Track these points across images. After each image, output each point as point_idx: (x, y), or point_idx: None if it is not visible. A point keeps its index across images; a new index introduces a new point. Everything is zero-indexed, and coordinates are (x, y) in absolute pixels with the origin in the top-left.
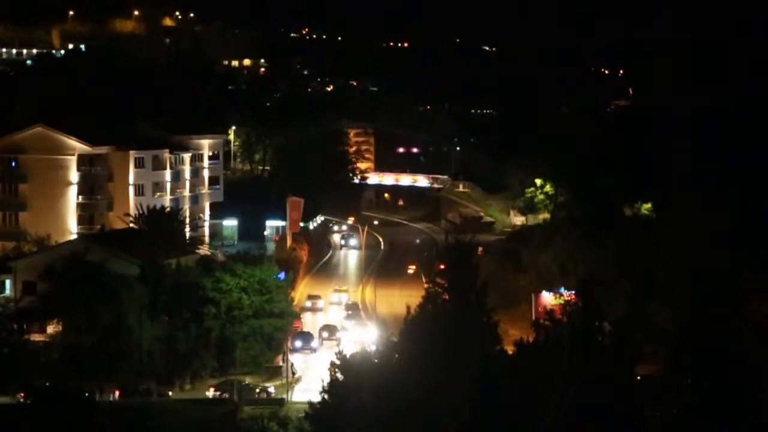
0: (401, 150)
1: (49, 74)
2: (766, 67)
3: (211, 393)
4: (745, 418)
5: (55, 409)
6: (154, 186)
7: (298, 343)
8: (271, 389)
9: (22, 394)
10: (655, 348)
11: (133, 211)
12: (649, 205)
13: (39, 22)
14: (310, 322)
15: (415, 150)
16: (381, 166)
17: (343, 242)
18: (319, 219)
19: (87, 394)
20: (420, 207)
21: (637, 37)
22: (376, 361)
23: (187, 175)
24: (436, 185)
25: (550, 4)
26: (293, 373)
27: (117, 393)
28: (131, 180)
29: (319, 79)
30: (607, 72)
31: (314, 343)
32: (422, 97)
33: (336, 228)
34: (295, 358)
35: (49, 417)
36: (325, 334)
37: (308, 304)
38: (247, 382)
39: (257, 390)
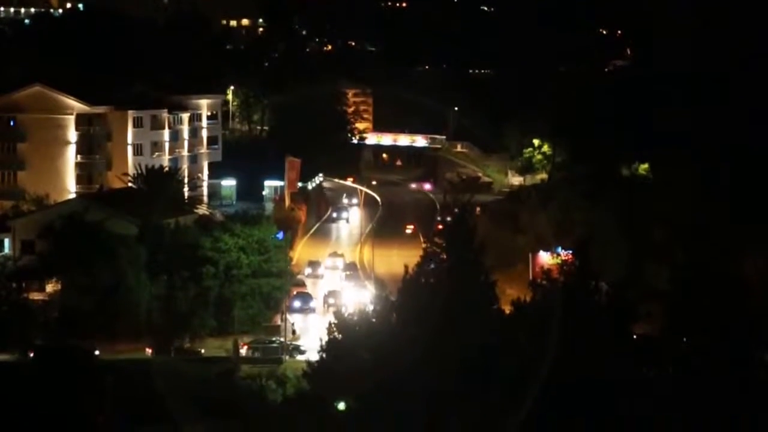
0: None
1: (47, 33)
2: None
3: (244, 351)
4: (741, 376)
5: (55, 367)
6: (153, 146)
7: (297, 304)
8: (304, 347)
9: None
10: (652, 307)
11: (131, 170)
12: (646, 166)
13: None
14: (311, 289)
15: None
16: (379, 127)
17: (335, 215)
18: (318, 179)
19: (86, 352)
20: (418, 167)
21: None
22: (373, 320)
23: (186, 134)
24: (434, 145)
25: None
26: (293, 332)
27: (149, 351)
28: (130, 140)
29: (317, 40)
30: (605, 32)
31: (313, 304)
32: (420, 58)
33: (345, 201)
34: (293, 319)
35: (49, 375)
36: (331, 300)
37: (308, 270)
38: (274, 338)
39: (290, 347)
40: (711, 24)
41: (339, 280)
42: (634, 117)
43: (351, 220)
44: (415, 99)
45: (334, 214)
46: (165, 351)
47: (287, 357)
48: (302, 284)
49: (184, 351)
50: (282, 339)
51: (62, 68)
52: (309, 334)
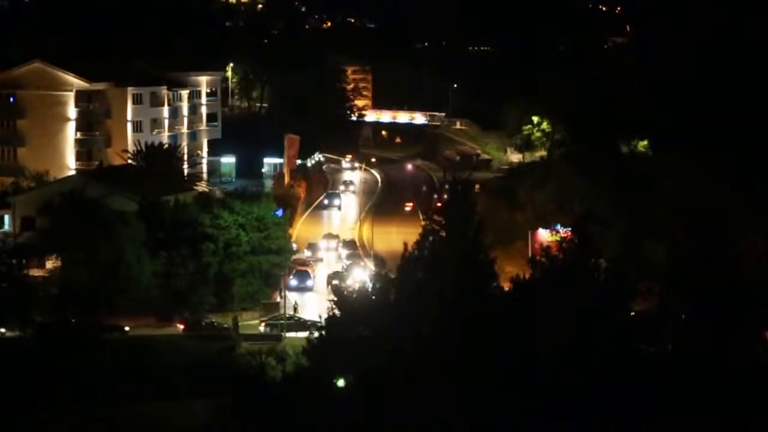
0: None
1: (47, 9)
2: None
3: (262, 328)
4: (739, 353)
5: (54, 343)
6: (152, 122)
7: (294, 282)
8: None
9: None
10: (650, 285)
11: (131, 147)
12: (645, 143)
13: None
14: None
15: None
16: (378, 104)
17: (326, 201)
18: (317, 156)
19: (88, 327)
20: (417, 144)
21: None
22: (373, 297)
23: (185, 111)
24: (433, 122)
25: None
26: (294, 309)
27: (181, 327)
28: (129, 116)
29: (316, 16)
30: (604, 9)
31: (309, 282)
32: (420, 35)
33: (341, 187)
34: (291, 296)
35: (49, 351)
36: (335, 282)
37: (308, 253)
38: (290, 314)
39: (308, 324)
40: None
41: (341, 261)
42: (634, 94)
43: (348, 199)
44: (415, 76)
45: (325, 201)
46: (196, 327)
47: (308, 333)
48: (307, 263)
49: (214, 327)
50: (299, 316)
51: (62, 45)
52: (307, 311)
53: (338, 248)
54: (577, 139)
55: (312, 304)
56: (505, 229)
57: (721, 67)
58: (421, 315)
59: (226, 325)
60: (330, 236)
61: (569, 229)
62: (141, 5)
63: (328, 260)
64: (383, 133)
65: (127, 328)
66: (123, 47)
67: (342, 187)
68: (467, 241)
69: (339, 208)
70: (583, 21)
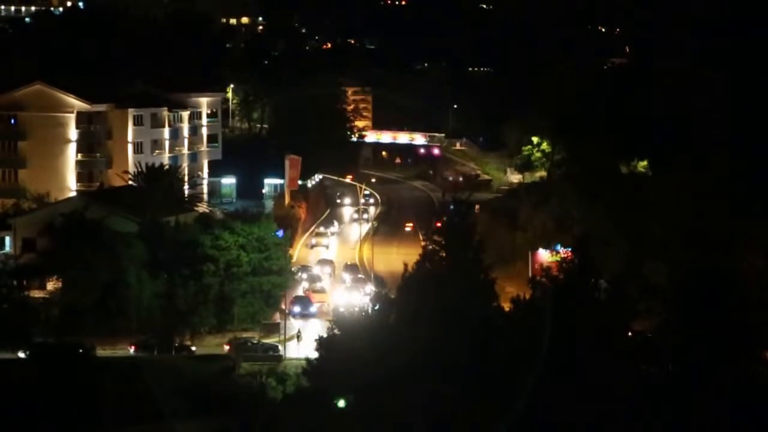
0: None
1: (48, 32)
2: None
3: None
4: (740, 373)
5: (53, 365)
6: (153, 144)
7: (296, 309)
8: None
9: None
10: (650, 304)
11: (132, 168)
12: (645, 163)
13: None
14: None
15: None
16: (378, 125)
17: (313, 242)
18: (318, 177)
19: (86, 350)
20: (417, 165)
21: None
22: (373, 318)
23: (186, 133)
24: (433, 143)
25: None
26: (298, 337)
27: (227, 348)
28: (130, 138)
29: (317, 38)
30: (604, 30)
31: (312, 309)
32: (420, 55)
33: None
34: (292, 321)
35: (48, 372)
36: (341, 310)
37: (306, 285)
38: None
39: None
40: (710, 20)
41: (344, 285)
42: (634, 114)
43: (347, 217)
44: (415, 97)
45: (313, 241)
46: (241, 348)
47: None
48: (322, 290)
49: (260, 347)
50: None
51: (63, 66)
52: (307, 333)
53: (333, 274)
54: (577, 159)
55: (314, 330)
56: (505, 250)
57: (720, 86)
58: (422, 335)
59: (271, 342)
60: (324, 262)
61: (569, 249)
62: (142, 26)
63: (326, 286)
64: (383, 153)
65: (193, 348)
66: (124, 69)
67: (323, 228)
68: (467, 261)
69: (327, 247)
70: (582, 42)
